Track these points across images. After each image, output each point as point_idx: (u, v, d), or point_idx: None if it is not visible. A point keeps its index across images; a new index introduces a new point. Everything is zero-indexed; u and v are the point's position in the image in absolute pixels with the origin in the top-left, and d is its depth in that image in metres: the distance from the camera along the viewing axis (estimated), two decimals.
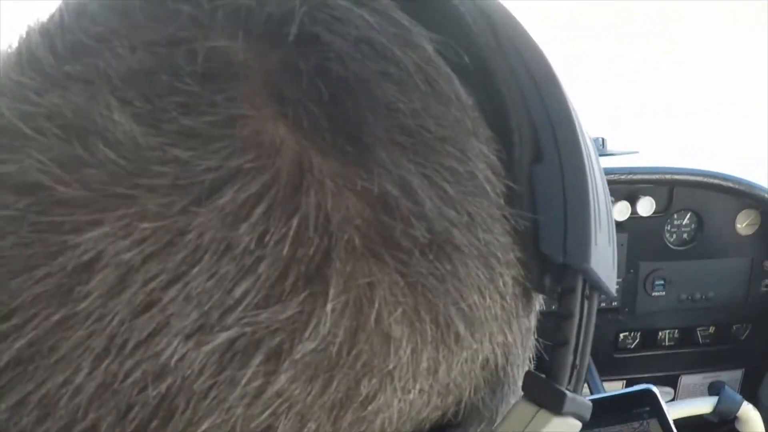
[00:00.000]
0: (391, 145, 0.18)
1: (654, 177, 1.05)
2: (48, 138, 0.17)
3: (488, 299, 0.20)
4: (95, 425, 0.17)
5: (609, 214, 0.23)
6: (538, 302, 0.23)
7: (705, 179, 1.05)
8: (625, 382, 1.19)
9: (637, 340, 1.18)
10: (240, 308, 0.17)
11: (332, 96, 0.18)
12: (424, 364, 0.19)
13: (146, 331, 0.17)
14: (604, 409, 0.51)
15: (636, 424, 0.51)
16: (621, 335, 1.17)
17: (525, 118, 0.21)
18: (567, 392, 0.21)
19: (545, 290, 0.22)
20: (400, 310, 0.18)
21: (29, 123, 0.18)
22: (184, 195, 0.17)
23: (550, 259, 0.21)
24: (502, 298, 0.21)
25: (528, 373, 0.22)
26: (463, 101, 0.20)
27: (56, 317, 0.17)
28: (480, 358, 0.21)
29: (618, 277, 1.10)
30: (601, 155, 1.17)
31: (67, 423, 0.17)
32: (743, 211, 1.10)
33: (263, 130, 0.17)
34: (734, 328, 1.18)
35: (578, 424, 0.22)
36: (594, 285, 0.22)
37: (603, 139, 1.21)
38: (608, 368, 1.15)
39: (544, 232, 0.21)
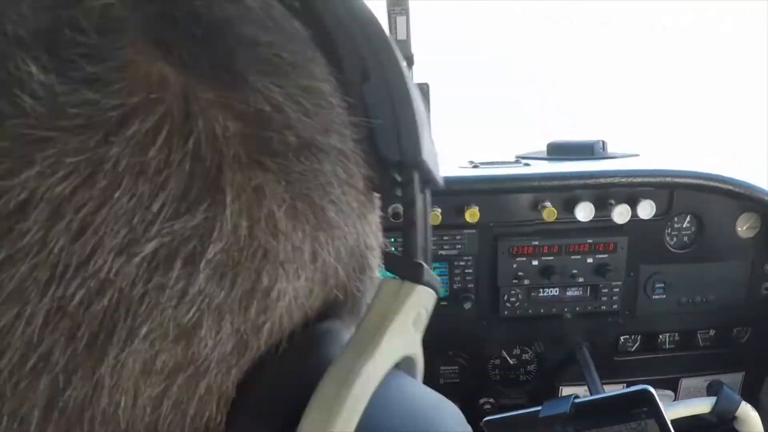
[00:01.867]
0: (257, 71, 0.22)
1: (654, 180, 1.05)
2: None
3: (347, 194, 0.25)
4: (50, 350, 0.19)
5: (428, 122, 0.28)
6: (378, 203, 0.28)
7: (705, 182, 1.06)
8: (625, 385, 1.19)
9: (638, 343, 1.18)
10: (158, 221, 0.20)
11: (205, 36, 0.22)
12: (307, 255, 0.23)
13: (84, 252, 0.19)
14: (602, 410, 0.51)
15: (634, 425, 0.51)
16: (621, 338, 1.17)
17: (351, 49, 0.26)
18: (423, 264, 0.25)
19: (387, 187, 0.27)
20: (285, 206, 0.22)
21: None
22: (97, 130, 0.19)
23: (388, 159, 0.26)
24: (358, 192, 0.25)
25: (387, 253, 0.27)
26: (301, 35, 0.25)
27: None
28: (348, 244, 0.25)
29: (618, 280, 1.10)
30: (601, 158, 1.17)
31: (23, 354, 0.19)
32: (744, 214, 1.10)
33: (150, 71, 0.20)
34: (735, 331, 1.18)
35: (434, 295, 0.26)
36: (426, 176, 0.27)
37: (604, 142, 1.20)
38: (609, 371, 1.15)
39: (381, 137, 0.26)
